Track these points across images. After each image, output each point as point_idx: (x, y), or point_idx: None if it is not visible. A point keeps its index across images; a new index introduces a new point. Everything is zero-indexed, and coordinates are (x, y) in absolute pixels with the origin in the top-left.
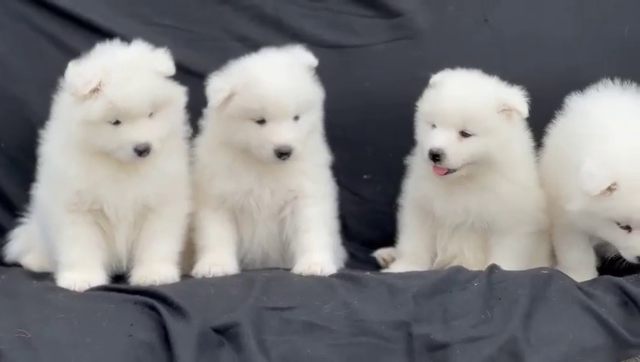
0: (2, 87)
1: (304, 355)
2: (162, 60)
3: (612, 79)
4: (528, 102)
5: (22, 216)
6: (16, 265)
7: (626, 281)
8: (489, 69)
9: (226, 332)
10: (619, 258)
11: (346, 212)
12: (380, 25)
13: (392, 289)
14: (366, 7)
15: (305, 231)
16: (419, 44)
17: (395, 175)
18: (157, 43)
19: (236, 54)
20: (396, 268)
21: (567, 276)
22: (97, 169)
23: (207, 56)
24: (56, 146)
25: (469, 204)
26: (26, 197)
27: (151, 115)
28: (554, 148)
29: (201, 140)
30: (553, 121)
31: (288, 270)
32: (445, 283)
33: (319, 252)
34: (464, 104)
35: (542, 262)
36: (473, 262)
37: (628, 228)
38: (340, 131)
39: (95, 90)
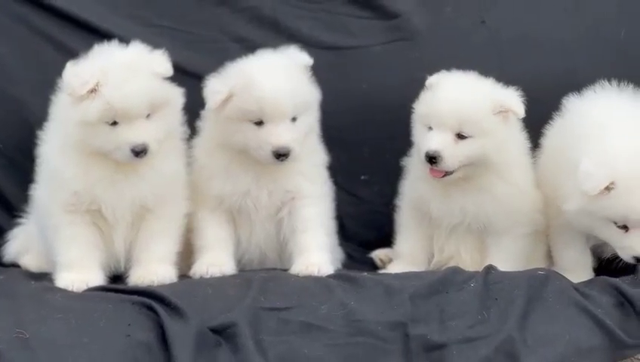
0: (0, 88)
1: (301, 355)
2: (160, 62)
3: (609, 80)
4: (525, 103)
5: (20, 217)
6: (15, 265)
7: (622, 282)
8: (486, 71)
9: (223, 333)
10: (615, 258)
11: (344, 213)
12: (377, 26)
13: (389, 289)
14: (363, 9)
15: (302, 232)
16: (416, 45)
17: (392, 176)
18: (155, 44)
19: (234, 56)
20: (393, 268)
21: (564, 277)
22: (95, 169)
23: (205, 57)
24: (54, 147)
25: (465, 205)
26: (24, 198)
27: (148, 116)
28: (551, 149)
29: (199, 141)
30: (550, 121)
31: (286, 270)
32: (442, 284)
33: (316, 252)
34: (460, 106)
35: (538, 262)
36: (470, 262)
37: (625, 228)
38: (337, 132)
39: (92, 91)
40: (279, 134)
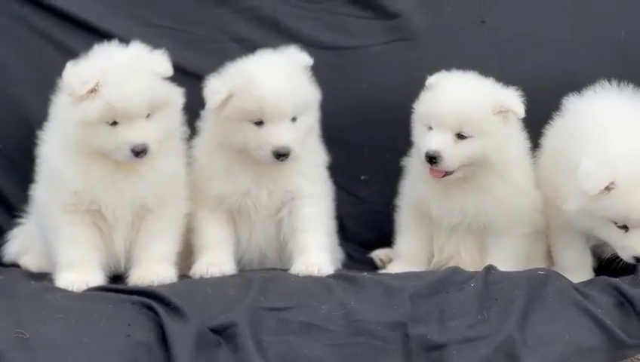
0: (0, 88)
1: (301, 355)
2: (160, 62)
3: (609, 80)
4: (525, 103)
5: (20, 217)
6: (15, 265)
7: (622, 282)
8: (486, 71)
9: (223, 333)
10: (616, 258)
11: (344, 213)
12: (377, 26)
13: (389, 289)
14: (363, 9)
15: (302, 232)
16: (416, 45)
17: (392, 176)
18: (155, 44)
19: (234, 56)
20: (393, 268)
21: (564, 277)
22: (95, 170)
23: (205, 57)
24: (54, 147)
25: (465, 205)
26: (24, 198)
27: (148, 116)
28: (551, 149)
29: (199, 141)
30: (550, 121)
31: (286, 270)
32: (442, 284)
33: (316, 252)
34: (460, 106)
35: (538, 262)
36: (470, 262)
37: (625, 228)
38: (337, 132)
39: (92, 91)
40: (279, 134)
